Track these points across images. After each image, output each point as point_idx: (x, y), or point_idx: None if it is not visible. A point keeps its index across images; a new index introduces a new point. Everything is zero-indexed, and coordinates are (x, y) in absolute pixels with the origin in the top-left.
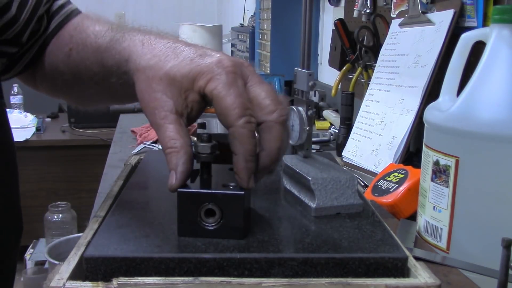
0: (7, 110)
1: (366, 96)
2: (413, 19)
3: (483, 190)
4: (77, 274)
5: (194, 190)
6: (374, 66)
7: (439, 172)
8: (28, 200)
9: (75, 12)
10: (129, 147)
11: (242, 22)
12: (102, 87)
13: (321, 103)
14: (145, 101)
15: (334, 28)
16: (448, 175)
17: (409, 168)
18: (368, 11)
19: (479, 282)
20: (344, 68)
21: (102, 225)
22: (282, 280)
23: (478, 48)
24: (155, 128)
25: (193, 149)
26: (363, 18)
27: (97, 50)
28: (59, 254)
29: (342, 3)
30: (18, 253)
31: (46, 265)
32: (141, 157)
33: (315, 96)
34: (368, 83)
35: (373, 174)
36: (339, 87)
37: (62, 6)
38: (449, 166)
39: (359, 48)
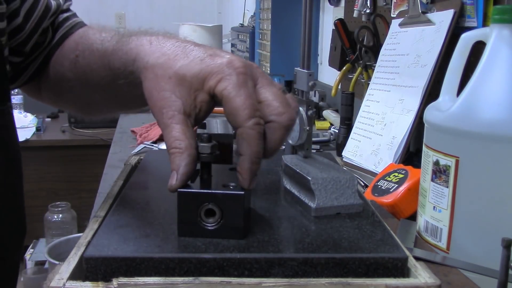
0: None
1: (366, 96)
2: (413, 19)
3: (483, 190)
4: (77, 274)
5: (194, 190)
6: (374, 66)
7: (439, 172)
8: (28, 200)
9: (80, 24)
10: (129, 147)
11: (242, 22)
12: (109, 92)
13: (321, 103)
14: (153, 100)
15: (334, 28)
16: (448, 175)
17: (409, 168)
18: (368, 11)
19: (479, 282)
20: (344, 68)
21: (102, 225)
22: (282, 280)
23: (478, 48)
24: (161, 127)
25: None
26: (363, 18)
27: (103, 54)
28: (59, 254)
29: (342, 3)
30: (21, 254)
31: (46, 265)
32: (141, 157)
33: (315, 96)
34: (368, 83)
35: (373, 174)
36: (339, 87)
37: (67, 18)
38: (449, 166)
39: (359, 48)
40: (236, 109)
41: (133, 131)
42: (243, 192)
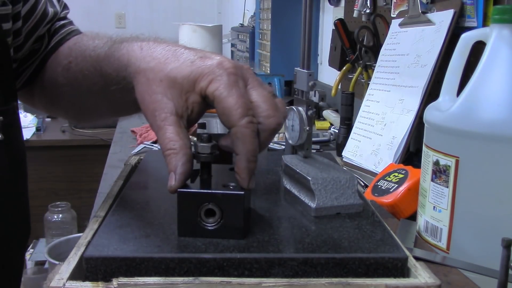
0: None
1: (366, 96)
2: (413, 19)
3: (483, 190)
4: (77, 274)
5: (194, 190)
6: (374, 66)
7: (439, 172)
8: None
9: (76, 32)
10: (129, 147)
11: (242, 22)
12: (102, 98)
13: (321, 103)
14: (145, 103)
15: (334, 28)
16: (448, 175)
17: (409, 168)
18: (368, 11)
19: (479, 282)
20: (344, 68)
21: (102, 225)
22: (282, 280)
23: (478, 48)
24: (154, 130)
25: (193, 149)
26: (363, 18)
27: (96, 60)
28: (59, 254)
29: (342, 3)
30: (25, 252)
31: (46, 265)
32: (141, 157)
33: (315, 96)
34: (368, 83)
35: (373, 174)
36: (339, 87)
37: (63, 26)
38: (449, 166)
39: (359, 48)
40: (229, 109)
41: (133, 131)
42: (243, 192)
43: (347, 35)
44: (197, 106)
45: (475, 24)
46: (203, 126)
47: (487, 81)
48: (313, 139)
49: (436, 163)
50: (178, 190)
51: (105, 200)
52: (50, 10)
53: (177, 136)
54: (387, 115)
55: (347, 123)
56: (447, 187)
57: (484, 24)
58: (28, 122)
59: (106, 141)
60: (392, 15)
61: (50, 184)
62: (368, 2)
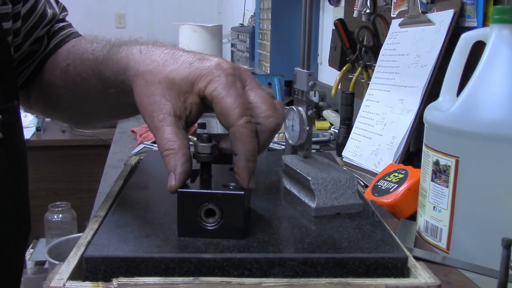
0: None
1: (366, 96)
2: (413, 19)
3: (483, 190)
4: (77, 274)
5: (194, 190)
6: (374, 66)
7: (439, 172)
8: None
9: (75, 35)
10: (129, 147)
11: (242, 22)
12: (100, 101)
13: (321, 103)
14: (144, 105)
15: (334, 28)
16: (448, 175)
17: (409, 168)
18: (368, 11)
19: (479, 282)
20: (344, 68)
21: (102, 225)
22: (282, 280)
23: (478, 48)
24: (153, 131)
25: (193, 149)
26: (363, 18)
27: (94, 63)
28: (59, 254)
29: (342, 3)
30: (25, 251)
31: (46, 265)
32: (141, 157)
33: (315, 96)
34: (368, 83)
35: (373, 174)
36: (339, 87)
37: (62, 28)
38: (449, 166)
39: (359, 48)
40: (227, 109)
41: (133, 131)
42: (243, 192)
43: (347, 35)
44: (195, 107)
45: (475, 24)
46: (203, 126)
47: (487, 81)
48: (313, 139)
49: (436, 163)
50: (178, 190)
51: (105, 200)
52: (49, 11)
53: (176, 137)
54: (387, 115)
55: (347, 123)
56: (447, 187)
57: (484, 24)
58: (28, 122)
59: (106, 141)
60: (392, 15)
61: (50, 184)
62: (368, 2)
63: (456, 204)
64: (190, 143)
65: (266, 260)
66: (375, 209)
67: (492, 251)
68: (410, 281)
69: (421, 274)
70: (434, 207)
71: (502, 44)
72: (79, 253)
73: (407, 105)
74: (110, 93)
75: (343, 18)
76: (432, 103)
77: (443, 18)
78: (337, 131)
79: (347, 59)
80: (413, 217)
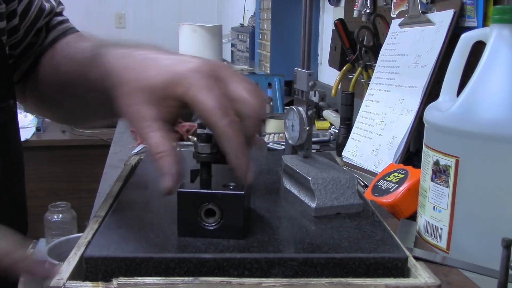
0: None
1: (366, 96)
2: (413, 19)
3: (483, 190)
4: (77, 274)
5: (194, 190)
6: (374, 66)
7: (439, 172)
8: (28, 200)
9: (72, 30)
10: (129, 147)
11: (242, 22)
12: (87, 103)
13: (321, 103)
14: (128, 115)
15: (334, 28)
16: (448, 175)
17: (409, 168)
18: (368, 11)
19: (479, 282)
20: (344, 68)
21: (102, 225)
22: (282, 280)
23: (478, 48)
24: (142, 139)
25: (193, 149)
26: (363, 18)
27: (81, 64)
28: (59, 254)
29: (342, 3)
30: None
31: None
32: (141, 157)
33: (315, 96)
34: (368, 83)
35: (373, 174)
36: (339, 87)
37: (61, 22)
38: (449, 166)
39: (359, 48)
40: (208, 111)
41: (133, 131)
42: (243, 192)
43: (347, 35)
44: (177, 110)
45: (475, 24)
46: (203, 126)
47: (487, 81)
48: (313, 139)
49: (436, 163)
50: (178, 190)
51: (105, 200)
52: (46, 5)
53: (163, 140)
54: (387, 115)
55: (347, 123)
56: (447, 187)
57: (484, 24)
58: (28, 122)
59: (106, 141)
60: (392, 15)
61: (50, 184)
62: (368, 2)
63: (456, 204)
64: (190, 143)
65: (266, 260)
66: (375, 209)
67: (492, 251)
68: (410, 281)
69: (421, 274)
70: (434, 207)
71: (502, 44)
72: (79, 253)
73: (407, 105)
74: (94, 96)
75: (343, 18)
76: (432, 103)
77: (443, 18)
78: (337, 131)
79: (347, 59)
80: (413, 217)
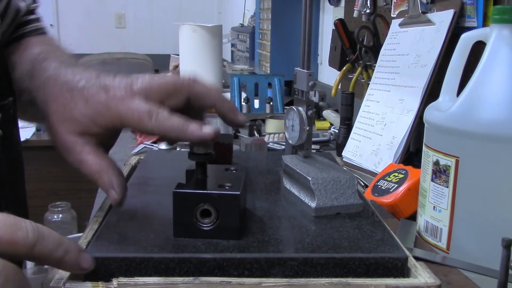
0: None
1: (366, 96)
2: (413, 19)
3: (483, 190)
4: (77, 274)
5: (190, 191)
6: (374, 66)
7: (439, 172)
8: (28, 200)
9: (39, 31)
10: (129, 147)
11: (242, 22)
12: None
13: (321, 103)
14: (59, 144)
15: (334, 28)
16: (448, 175)
17: (409, 168)
18: (368, 11)
19: (479, 282)
20: (344, 68)
21: (102, 225)
22: (282, 280)
23: (478, 48)
24: (78, 166)
25: (189, 149)
26: (363, 18)
27: (25, 72)
28: None
29: (342, 3)
30: None
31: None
32: (141, 157)
33: (315, 96)
34: (368, 83)
35: (373, 174)
36: (339, 87)
37: (29, 21)
38: (449, 166)
39: (359, 48)
40: (138, 125)
41: (133, 131)
42: (239, 192)
43: (347, 35)
44: (108, 133)
45: (475, 24)
46: None
47: (487, 81)
48: (313, 139)
49: (436, 163)
50: (174, 190)
51: (105, 200)
52: (22, 4)
53: (98, 159)
54: (387, 115)
55: (347, 123)
56: (447, 187)
57: (484, 24)
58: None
59: None
60: (392, 15)
61: (50, 184)
62: (368, 2)
63: (456, 204)
64: (187, 143)
65: (266, 260)
66: (375, 209)
67: (492, 251)
68: (410, 281)
69: (421, 274)
70: (434, 207)
71: (502, 44)
72: None
73: (407, 105)
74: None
75: (343, 18)
76: (432, 103)
77: (443, 18)
78: (337, 131)
79: (347, 59)
80: (413, 217)
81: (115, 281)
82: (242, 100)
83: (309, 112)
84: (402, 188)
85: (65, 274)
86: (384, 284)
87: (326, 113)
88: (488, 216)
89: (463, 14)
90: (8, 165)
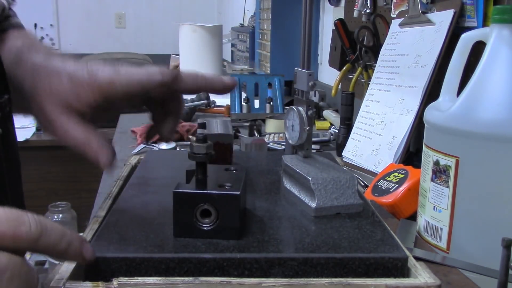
0: None
1: (366, 96)
2: (413, 19)
3: (483, 190)
4: (77, 274)
5: (190, 191)
6: (374, 66)
7: (439, 172)
8: (28, 200)
9: (14, 25)
10: (129, 147)
11: (242, 22)
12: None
13: (321, 103)
14: (45, 122)
15: (334, 28)
16: (448, 175)
17: (409, 168)
18: (368, 11)
19: (479, 282)
20: (344, 68)
21: (102, 225)
22: (282, 280)
23: (478, 48)
24: (64, 139)
25: (189, 149)
26: (363, 18)
27: (10, 61)
28: None
29: (342, 3)
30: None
31: (46, 265)
32: (141, 157)
33: (315, 96)
34: (368, 83)
35: (373, 174)
36: (339, 87)
37: (14, 15)
38: (449, 166)
39: (359, 48)
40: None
41: (133, 131)
42: (239, 192)
43: (347, 35)
44: (90, 107)
45: (475, 24)
46: (203, 126)
47: (487, 81)
48: (313, 139)
49: (436, 163)
50: (174, 190)
51: (105, 200)
52: (3, 1)
53: (85, 130)
54: (387, 115)
55: (347, 123)
56: (447, 187)
57: (484, 24)
58: (28, 122)
59: None
60: (392, 15)
61: (50, 184)
62: (368, 2)
63: (456, 204)
64: (187, 142)
65: (266, 260)
66: (375, 209)
67: (492, 251)
68: (410, 281)
69: (421, 274)
70: (434, 207)
71: (502, 44)
72: None
73: (407, 105)
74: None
75: (343, 18)
76: (432, 103)
77: (443, 18)
78: (337, 131)
79: (347, 59)
80: (413, 217)
81: (115, 281)
82: (242, 100)
83: (309, 112)
84: (402, 188)
85: (65, 274)
86: (384, 284)
87: (326, 113)
88: (488, 216)
89: (463, 14)
90: (6, 161)
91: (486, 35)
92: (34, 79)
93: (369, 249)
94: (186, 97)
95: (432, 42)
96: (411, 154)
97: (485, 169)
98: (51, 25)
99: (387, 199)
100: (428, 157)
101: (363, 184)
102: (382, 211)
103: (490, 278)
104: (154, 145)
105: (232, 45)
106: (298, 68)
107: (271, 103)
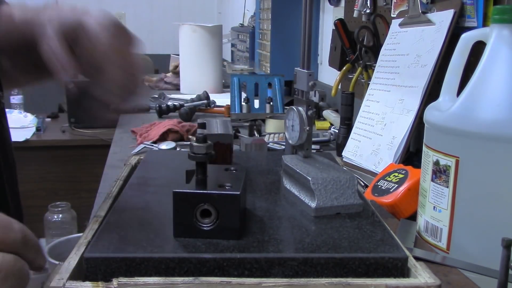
0: (7, 110)
1: (366, 96)
2: (413, 19)
3: (483, 190)
4: (77, 274)
5: (190, 191)
6: (374, 66)
7: (439, 172)
8: (28, 200)
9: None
10: (129, 147)
11: (242, 22)
12: (18, 58)
13: (321, 103)
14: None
15: (334, 28)
16: (448, 175)
17: (409, 168)
18: (368, 11)
19: (479, 282)
20: (344, 68)
21: (102, 225)
22: (282, 280)
23: (478, 48)
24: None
25: (189, 149)
26: (363, 18)
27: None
28: (59, 254)
29: (342, 3)
30: None
31: (46, 265)
32: (141, 157)
33: (315, 96)
34: (368, 83)
35: (373, 174)
36: (339, 87)
37: None
38: (449, 166)
39: (359, 48)
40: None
41: (133, 131)
42: (239, 192)
43: (347, 35)
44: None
45: (475, 24)
46: (203, 126)
47: (487, 81)
48: (313, 139)
49: (436, 163)
50: (174, 190)
51: (105, 200)
52: None
53: (59, 48)
54: (387, 115)
55: (347, 123)
56: (447, 187)
57: (484, 24)
58: (28, 122)
59: (106, 141)
60: (392, 15)
61: (50, 184)
62: (368, 2)
63: (456, 204)
64: (187, 142)
65: (266, 260)
66: (375, 209)
67: (492, 251)
68: (410, 281)
69: (421, 274)
70: (434, 207)
71: (502, 44)
72: (79, 253)
73: (407, 105)
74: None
75: (343, 18)
76: (432, 103)
77: (443, 18)
78: (337, 131)
79: (347, 59)
80: (413, 217)
81: (115, 281)
82: (242, 100)
83: (309, 112)
84: (402, 188)
85: (66, 274)
86: (384, 284)
87: (326, 113)
88: (488, 216)
89: (463, 14)
90: (3, 156)
91: (486, 35)
92: (32, 14)
93: (369, 249)
94: (186, 97)
95: (432, 42)
96: (411, 154)
97: (485, 169)
98: None
99: (387, 199)
100: (428, 157)
101: (363, 184)
102: (382, 211)
103: (490, 278)
104: (154, 145)
105: (232, 45)
106: (298, 68)
107: (271, 103)
